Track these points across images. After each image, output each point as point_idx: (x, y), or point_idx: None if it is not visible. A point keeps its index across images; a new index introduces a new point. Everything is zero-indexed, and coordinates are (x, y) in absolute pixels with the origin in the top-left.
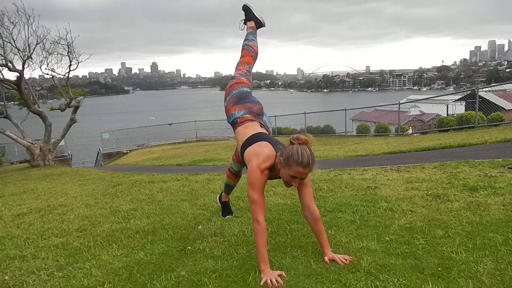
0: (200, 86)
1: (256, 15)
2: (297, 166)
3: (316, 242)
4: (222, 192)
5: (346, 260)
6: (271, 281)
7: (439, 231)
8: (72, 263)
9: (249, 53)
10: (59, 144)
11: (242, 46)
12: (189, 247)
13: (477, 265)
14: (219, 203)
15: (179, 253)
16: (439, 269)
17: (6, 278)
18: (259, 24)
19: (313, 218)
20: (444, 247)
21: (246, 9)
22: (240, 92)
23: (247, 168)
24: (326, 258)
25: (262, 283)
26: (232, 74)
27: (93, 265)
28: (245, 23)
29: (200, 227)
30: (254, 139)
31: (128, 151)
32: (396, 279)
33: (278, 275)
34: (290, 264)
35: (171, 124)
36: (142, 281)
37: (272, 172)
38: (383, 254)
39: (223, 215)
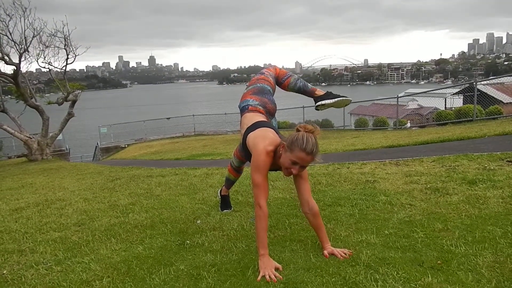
0: (198, 80)
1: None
2: (300, 151)
3: (315, 236)
4: (222, 186)
5: (345, 254)
6: (269, 276)
7: (438, 224)
8: (70, 257)
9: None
10: (57, 139)
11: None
12: (188, 241)
13: (477, 258)
14: (219, 197)
15: (178, 247)
16: (438, 262)
17: (5, 272)
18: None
19: (312, 214)
20: (444, 240)
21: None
22: (263, 87)
23: (250, 154)
24: (325, 252)
25: (259, 278)
26: (261, 71)
27: (92, 259)
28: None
29: (199, 222)
30: (260, 125)
31: (126, 146)
32: (395, 272)
33: (275, 268)
34: (289, 258)
35: (169, 118)
36: (141, 275)
37: (273, 160)
38: (383, 248)
39: (221, 209)
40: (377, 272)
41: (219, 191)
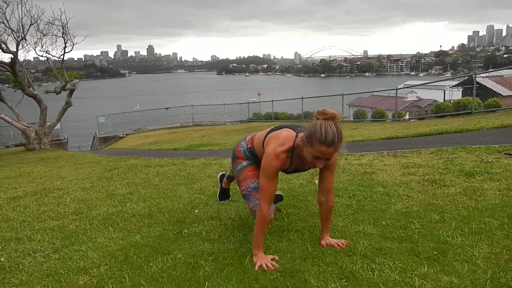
0: (197, 70)
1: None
2: (320, 145)
3: (313, 226)
4: (224, 177)
5: (342, 244)
6: (266, 265)
7: (435, 215)
8: (68, 245)
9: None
10: (55, 128)
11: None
12: (186, 231)
13: (473, 249)
14: (219, 182)
15: (175, 236)
16: (434, 252)
17: (2, 259)
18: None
19: (328, 207)
20: (440, 232)
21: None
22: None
23: None
24: (322, 242)
25: (256, 267)
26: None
27: (89, 247)
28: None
29: (196, 211)
30: (272, 130)
31: (124, 135)
32: (392, 262)
33: (271, 259)
34: (286, 248)
35: (168, 108)
36: (139, 263)
37: (295, 157)
38: (379, 238)
39: (219, 198)
40: (373, 262)
41: (219, 176)
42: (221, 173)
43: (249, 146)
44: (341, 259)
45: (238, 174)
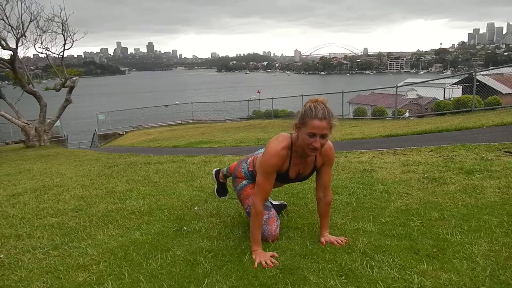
0: (196, 67)
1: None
2: (312, 120)
3: (312, 224)
4: (220, 173)
5: (342, 241)
6: (266, 262)
7: (434, 213)
8: (67, 242)
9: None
10: (55, 125)
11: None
12: (185, 228)
13: (472, 247)
14: (214, 178)
15: (175, 233)
16: (434, 250)
17: (1, 256)
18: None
19: (326, 201)
20: (440, 229)
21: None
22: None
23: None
24: (322, 239)
25: (256, 264)
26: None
27: (89, 244)
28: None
29: (196, 208)
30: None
31: (124, 133)
32: (391, 260)
33: (270, 256)
34: (286, 245)
35: (168, 105)
36: (138, 260)
37: (294, 155)
38: (379, 236)
39: (218, 195)
40: (373, 259)
41: (214, 172)
42: (216, 169)
43: (250, 169)
44: (341, 257)
45: (239, 193)
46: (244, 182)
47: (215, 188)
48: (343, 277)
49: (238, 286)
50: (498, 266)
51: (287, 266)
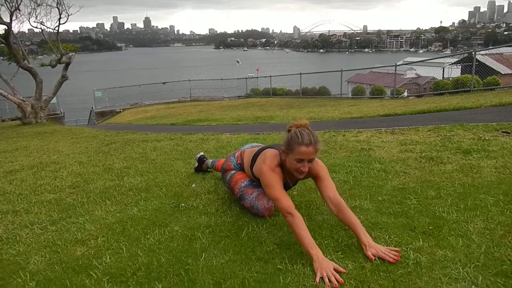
0: (194, 44)
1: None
2: (299, 146)
3: (310, 201)
4: (204, 163)
5: (394, 255)
6: (329, 279)
7: (431, 192)
8: (65, 217)
9: None
10: (51, 102)
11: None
12: (183, 204)
13: (468, 225)
14: (196, 161)
15: (172, 209)
16: (430, 227)
17: None
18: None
19: (339, 209)
20: (436, 207)
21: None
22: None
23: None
24: (369, 253)
25: (318, 279)
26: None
27: (87, 220)
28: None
29: (194, 185)
30: (255, 155)
31: (122, 110)
32: (387, 236)
33: (334, 268)
34: (283, 221)
35: (165, 83)
36: (136, 235)
37: (284, 171)
38: (376, 213)
39: (196, 170)
40: (369, 235)
41: (198, 156)
42: (202, 154)
43: (238, 161)
44: (337, 233)
45: (229, 181)
46: (233, 171)
47: (195, 166)
48: (340, 253)
49: (235, 260)
50: (493, 244)
51: (284, 242)
